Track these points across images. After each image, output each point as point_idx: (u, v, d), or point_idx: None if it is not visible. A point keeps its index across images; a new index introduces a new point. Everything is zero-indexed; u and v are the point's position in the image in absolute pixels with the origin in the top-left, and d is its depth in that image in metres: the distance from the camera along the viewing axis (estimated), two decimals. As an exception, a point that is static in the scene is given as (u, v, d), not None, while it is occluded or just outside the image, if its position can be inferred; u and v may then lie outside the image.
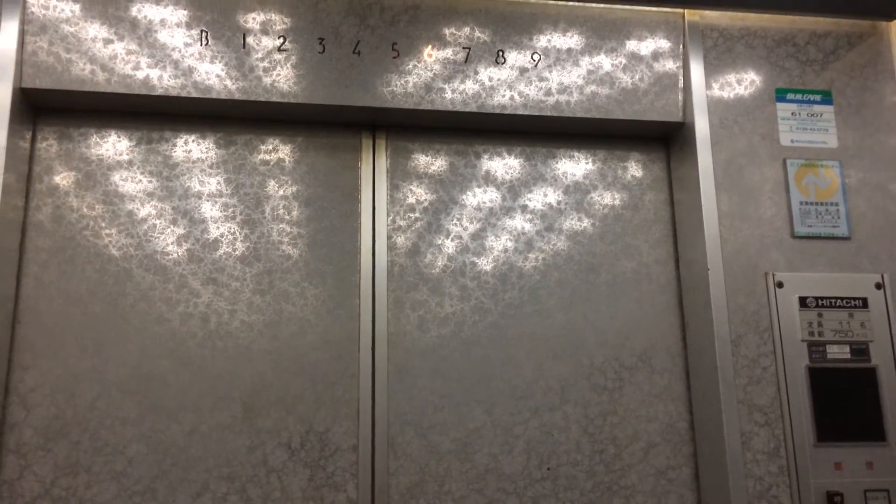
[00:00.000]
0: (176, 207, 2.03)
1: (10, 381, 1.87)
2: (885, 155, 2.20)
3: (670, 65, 2.19)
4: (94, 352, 1.92)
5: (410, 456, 1.99)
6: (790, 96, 2.20)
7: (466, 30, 2.12)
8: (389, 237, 2.12)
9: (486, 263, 2.14)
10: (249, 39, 2.01)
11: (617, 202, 2.25)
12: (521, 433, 2.05)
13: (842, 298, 2.06)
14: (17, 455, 1.83)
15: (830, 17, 2.26)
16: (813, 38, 2.25)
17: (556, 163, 2.24)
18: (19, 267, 1.93)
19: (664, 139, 2.30)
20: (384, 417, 2.00)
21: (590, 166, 2.26)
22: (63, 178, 2.00)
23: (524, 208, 2.20)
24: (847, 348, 2.03)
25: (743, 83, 2.19)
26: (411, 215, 2.14)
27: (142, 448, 1.89)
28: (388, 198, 2.15)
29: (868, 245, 2.13)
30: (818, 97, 2.21)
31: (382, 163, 2.16)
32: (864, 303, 2.07)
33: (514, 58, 2.13)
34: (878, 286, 2.09)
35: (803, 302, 2.05)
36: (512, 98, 2.10)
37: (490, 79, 2.10)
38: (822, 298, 2.06)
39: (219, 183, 2.07)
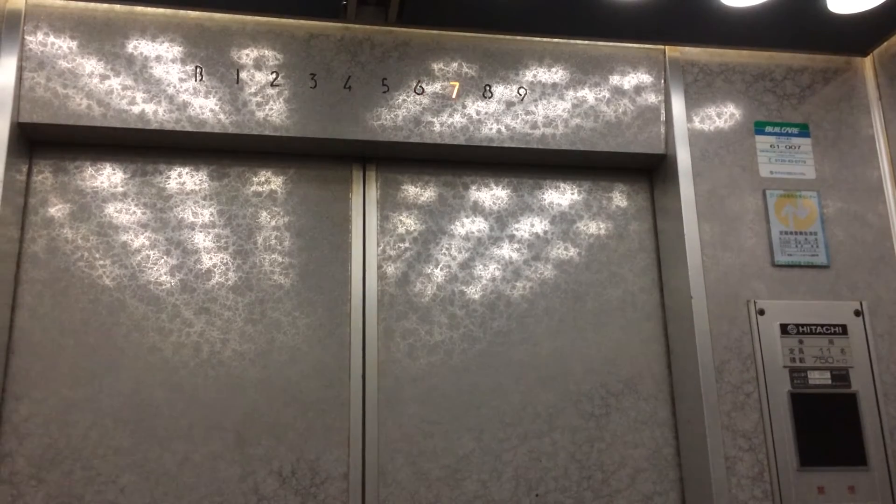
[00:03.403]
0: (169, 238, 2.07)
1: (4, 411, 1.88)
2: (862, 185, 2.27)
3: (652, 99, 2.25)
4: (87, 381, 1.94)
5: (400, 483, 2.02)
6: (768, 129, 2.27)
7: (454, 65, 2.18)
8: (379, 267, 2.16)
9: (474, 292, 2.18)
10: (243, 75, 2.06)
11: (602, 232, 2.30)
12: (509, 460, 2.08)
13: (822, 325, 2.11)
14: (10, 485, 1.84)
15: (806, 53, 2.34)
16: (790, 73, 2.33)
17: (543, 193, 2.30)
18: (14, 297, 1.95)
19: (647, 170, 2.36)
20: (374, 445, 2.02)
21: (575, 197, 2.31)
22: (58, 210, 2.03)
23: (512, 238, 2.25)
24: (828, 374, 2.08)
25: (723, 116, 2.26)
26: (401, 245, 2.19)
27: (134, 477, 1.90)
28: (378, 228, 2.19)
29: (846, 273, 2.19)
30: (796, 130, 2.28)
31: (373, 194, 2.21)
32: (844, 329, 2.12)
33: (501, 92, 2.19)
34: (857, 313, 2.14)
35: (784, 329, 2.09)
36: (499, 131, 2.16)
37: (477, 112, 2.16)
38: (802, 325, 2.10)
39: (212, 214, 2.11)
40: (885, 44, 2.31)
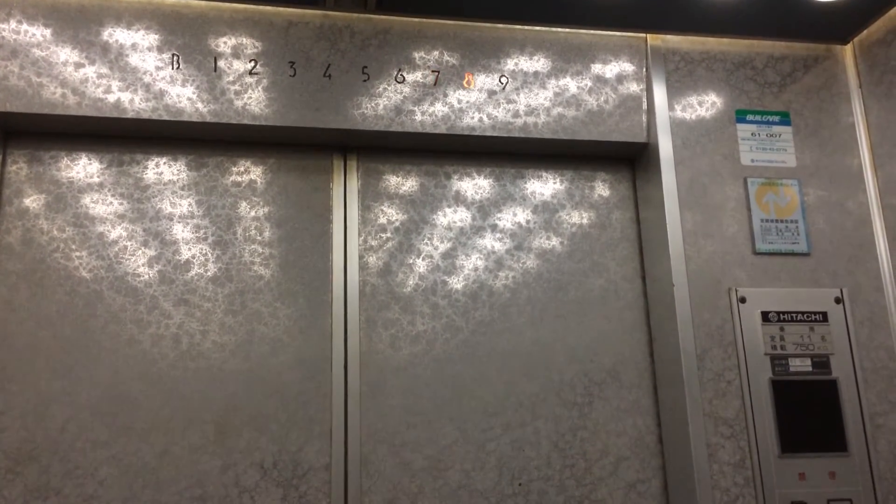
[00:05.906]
0: (147, 229, 2.04)
1: (-21, 405, 1.86)
2: (842, 173, 2.28)
3: (634, 87, 2.25)
4: (64, 374, 1.91)
5: (383, 474, 2.01)
6: (750, 117, 2.27)
7: (435, 53, 2.16)
8: (361, 257, 2.14)
9: (456, 282, 2.18)
10: (221, 63, 2.04)
11: (585, 221, 2.29)
12: (493, 449, 2.08)
13: (802, 313, 2.12)
14: (-14, 480, 1.82)
15: (787, 41, 2.34)
16: (771, 61, 2.33)
17: (525, 183, 2.29)
18: (-12, 290, 1.92)
19: (630, 159, 2.35)
20: (357, 436, 2.01)
21: (558, 186, 2.31)
22: (33, 201, 2.00)
23: (494, 228, 2.24)
24: (808, 361, 2.08)
25: (704, 105, 2.26)
26: (382, 235, 2.17)
27: (113, 470, 1.88)
28: (359, 218, 2.17)
29: (827, 261, 2.20)
30: (776, 118, 2.28)
31: (354, 184, 2.19)
32: (825, 317, 2.13)
33: (483, 80, 2.18)
34: (838, 300, 2.15)
35: (765, 316, 2.10)
36: (481, 120, 2.15)
37: (459, 101, 2.15)
38: (783, 313, 2.11)
39: (190, 205, 2.08)
40: (866, 32, 2.31)
